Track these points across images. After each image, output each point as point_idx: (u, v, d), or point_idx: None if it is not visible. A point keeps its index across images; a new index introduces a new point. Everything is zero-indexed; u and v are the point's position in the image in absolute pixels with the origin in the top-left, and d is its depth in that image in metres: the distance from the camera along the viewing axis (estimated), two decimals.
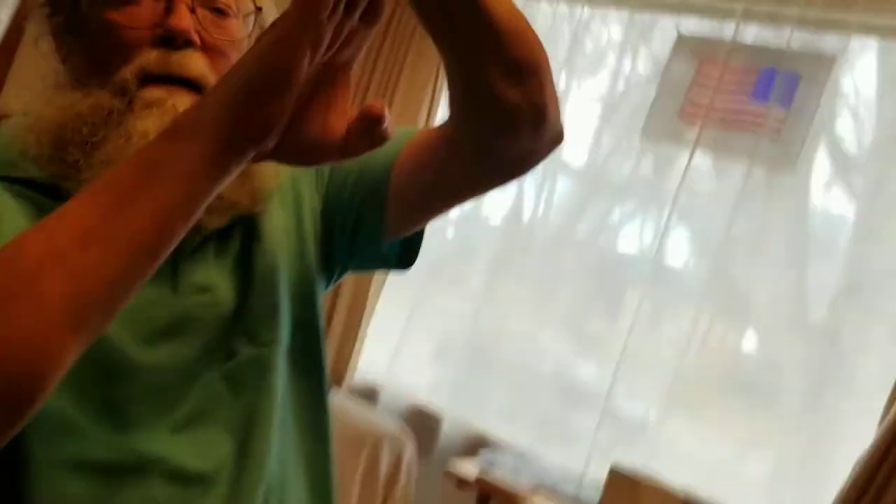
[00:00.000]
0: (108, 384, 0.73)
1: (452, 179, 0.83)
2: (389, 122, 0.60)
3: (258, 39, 0.58)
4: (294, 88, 0.56)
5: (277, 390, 0.80)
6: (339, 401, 2.65)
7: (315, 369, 0.86)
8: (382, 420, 2.77)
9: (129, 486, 0.71)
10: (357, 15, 0.58)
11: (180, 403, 0.76)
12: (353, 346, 2.97)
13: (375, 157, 0.81)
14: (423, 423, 2.85)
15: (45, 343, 0.54)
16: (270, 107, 0.56)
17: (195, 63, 0.76)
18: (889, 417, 2.01)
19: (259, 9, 0.82)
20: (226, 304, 0.79)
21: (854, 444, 2.10)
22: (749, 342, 2.69)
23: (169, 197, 0.56)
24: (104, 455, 0.71)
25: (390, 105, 2.73)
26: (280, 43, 0.55)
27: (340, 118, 0.61)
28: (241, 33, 0.81)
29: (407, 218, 0.86)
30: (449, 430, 2.82)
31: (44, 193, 0.74)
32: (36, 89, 0.79)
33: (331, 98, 0.61)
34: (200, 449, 0.75)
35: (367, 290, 2.97)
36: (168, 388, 0.75)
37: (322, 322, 0.88)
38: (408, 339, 3.01)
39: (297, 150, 0.61)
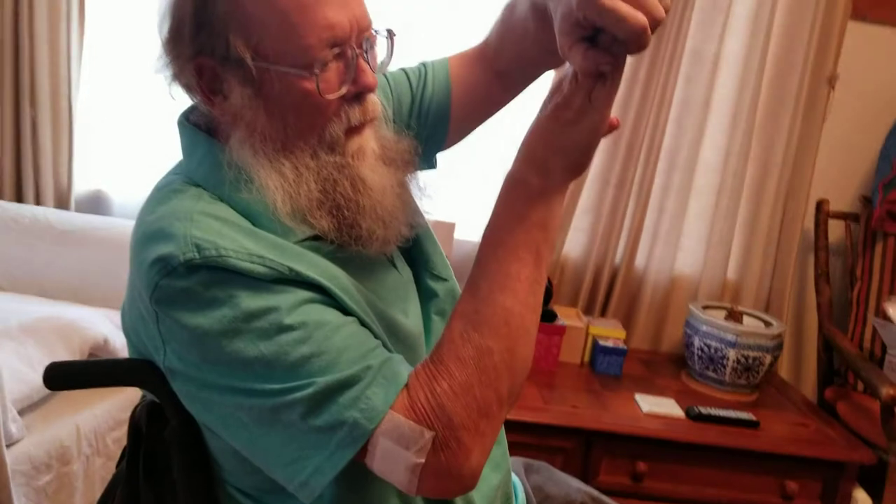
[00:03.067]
0: (397, 347, 0.91)
1: (501, 102, 1.16)
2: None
3: (566, 110, 0.81)
4: None
5: None
6: None
7: None
8: None
9: None
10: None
11: (429, 344, 0.99)
12: None
13: (432, 96, 1.12)
14: None
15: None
16: (592, 157, 0.85)
17: (376, 105, 0.94)
18: None
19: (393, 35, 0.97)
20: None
21: None
22: None
23: (553, 239, 0.85)
24: None
25: None
26: (602, 124, 0.82)
27: None
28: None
29: (457, 138, 1.17)
30: None
31: (324, 241, 0.90)
32: (252, 149, 0.89)
33: None
34: None
35: None
36: (418, 335, 0.99)
37: None
38: None
39: None
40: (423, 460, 0.78)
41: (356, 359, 0.81)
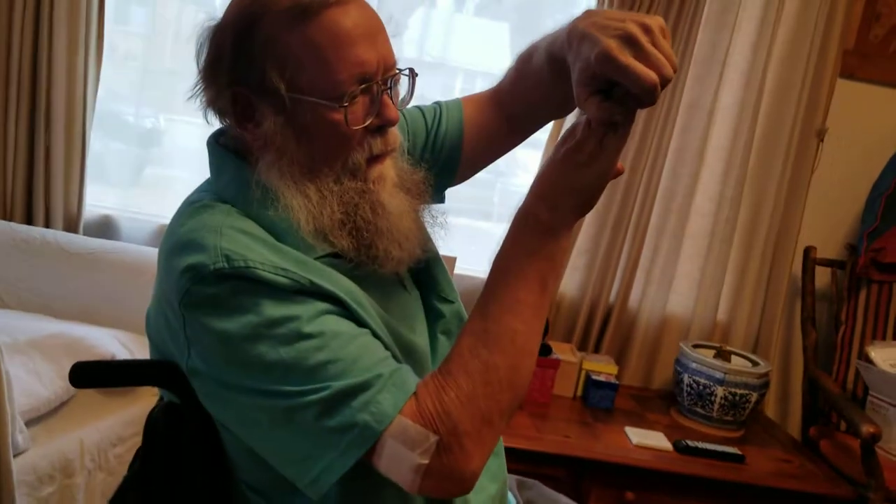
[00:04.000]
0: (405, 360, 0.97)
1: (510, 144, 1.24)
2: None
3: (580, 153, 0.88)
4: None
5: None
6: None
7: None
8: None
9: None
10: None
11: (435, 361, 1.04)
12: None
13: (445, 134, 1.18)
14: None
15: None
16: (598, 198, 0.93)
17: (396, 137, 1.02)
18: None
19: (416, 74, 1.04)
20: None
21: None
22: None
23: (559, 271, 0.93)
24: None
25: None
26: (610, 169, 0.90)
27: None
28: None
29: (467, 175, 1.26)
30: None
31: (343, 259, 0.97)
32: (280, 171, 0.96)
33: None
34: None
35: None
36: (425, 350, 1.05)
37: None
38: None
39: None
40: (427, 461, 0.85)
41: (369, 366, 0.88)
